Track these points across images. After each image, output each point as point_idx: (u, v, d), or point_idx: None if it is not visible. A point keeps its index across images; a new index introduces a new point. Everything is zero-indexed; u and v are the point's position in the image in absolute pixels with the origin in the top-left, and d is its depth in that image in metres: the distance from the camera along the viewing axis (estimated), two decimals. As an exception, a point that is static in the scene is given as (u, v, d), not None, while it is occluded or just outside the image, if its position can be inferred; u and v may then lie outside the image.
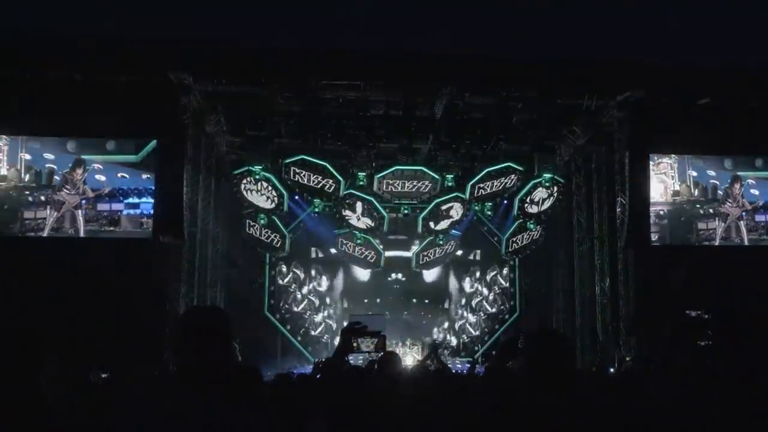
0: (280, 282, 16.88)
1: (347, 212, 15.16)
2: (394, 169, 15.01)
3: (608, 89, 13.16)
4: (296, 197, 15.81)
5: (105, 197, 12.96)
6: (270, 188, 14.54)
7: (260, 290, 16.49)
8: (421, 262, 16.48)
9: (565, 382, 2.62)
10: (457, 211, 15.46)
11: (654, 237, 13.78)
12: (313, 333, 16.84)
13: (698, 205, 14.15)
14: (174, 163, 12.45)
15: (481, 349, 16.91)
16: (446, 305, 17.59)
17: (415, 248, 16.51)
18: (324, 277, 17.38)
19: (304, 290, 17.09)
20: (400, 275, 17.14)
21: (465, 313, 17.40)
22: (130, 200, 12.99)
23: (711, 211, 14.14)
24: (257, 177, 14.39)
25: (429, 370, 5.73)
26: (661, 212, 14.03)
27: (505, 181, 15.31)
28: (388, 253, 16.21)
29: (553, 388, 2.57)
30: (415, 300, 17.31)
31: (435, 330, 17.25)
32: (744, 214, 14.16)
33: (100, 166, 12.97)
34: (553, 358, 2.65)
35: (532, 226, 15.93)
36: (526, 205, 15.41)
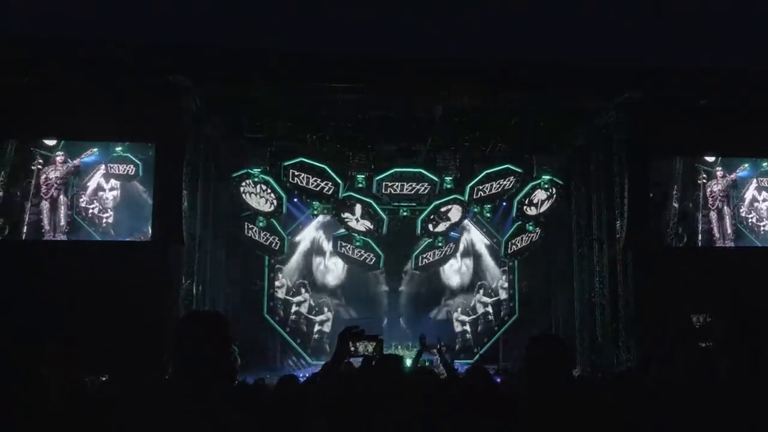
0: (279, 284, 16.83)
1: (346, 214, 15.16)
2: (393, 171, 15.01)
3: (607, 91, 13.17)
4: (295, 200, 15.83)
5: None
6: (269, 191, 14.56)
7: (260, 292, 16.47)
8: (420, 264, 16.47)
9: (561, 385, 2.61)
10: (456, 213, 15.46)
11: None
12: (312, 335, 16.79)
13: None
14: (173, 166, 12.43)
15: (479, 351, 16.89)
16: (446, 306, 17.52)
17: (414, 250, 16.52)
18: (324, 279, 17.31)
19: (304, 292, 17.03)
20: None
21: (464, 315, 17.36)
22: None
23: None
24: (256, 179, 14.40)
25: (427, 369, 5.73)
26: None
27: (504, 182, 15.32)
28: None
29: (550, 391, 2.57)
30: (415, 302, 17.26)
31: (427, 333, 17.11)
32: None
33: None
34: (550, 362, 2.65)
35: (531, 227, 15.95)
36: (525, 206, 15.43)
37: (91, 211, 13.03)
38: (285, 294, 16.77)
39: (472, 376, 4.66)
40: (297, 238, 16.79)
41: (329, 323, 16.75)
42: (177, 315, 11.87)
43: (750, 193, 14.50)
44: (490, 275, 17.62)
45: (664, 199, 14.05)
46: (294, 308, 16.76)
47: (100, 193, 13.07)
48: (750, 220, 14.38)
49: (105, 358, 9.89)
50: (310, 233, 17.01)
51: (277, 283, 16.72)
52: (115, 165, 13.13)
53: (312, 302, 16.89)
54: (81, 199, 13.00)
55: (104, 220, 13.03)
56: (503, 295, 17.44)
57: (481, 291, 17.48)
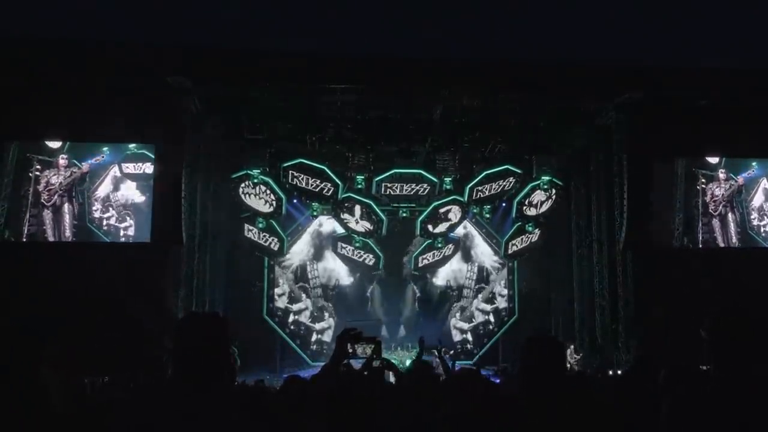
0: (280, 292, 16.74)
1: (346, 215, 15.15)
2: (392, 172, 14.99)
3: (607, 91, 13.18)
4: (295, 201, 15.81)
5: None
6: (268, 192, 14.54)
7: (259, 293, 16.45)
8: (419, 265, 16.45)
9: (560, 386, 2.61)
10: (455, 214, 15.45)
11: None
12: (311, 336, 16.75)
13: None
14: (173, 167, 12.43)
15: (480, 352, 16.87)
16: (447, 306, 17.47)
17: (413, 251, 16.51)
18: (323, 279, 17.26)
19: (303, 295, 16.99)
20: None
21: (462, 322, 17.28)
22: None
23: None
24: (256, 181, 14.39)
25: (427, 365, 5.71)
26: None
27: (504, 183, 15.31)
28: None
29: (548, 392, 2.56)
30: (415, 302, 17.23)
31: (426, 335, 16.96)
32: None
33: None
34: (548, 362, 2.64)
35: (530, 228, 15.93)
36: (524, 207, 15.42)
37: (106, 221, 12.85)
38: (286, 301, 16.59)
39: (459, 378, 4.65)
40: (297, 240, 16.77)
41: (330, 331, 16.48)
42: (177, 315, 11.87)
43: (760, 194, 14.41)
44: (489, 278, 17.56)
45: (665, 202, 14.05)
46: (293, 317, 16.62)
47: (115, 200, 12.90)
48: (764, 228, 14.25)
49: (105, 358, 9.91)
50: (310, 234, 16.97)
51: (277, 290, 16.53)
52: (130, 164, 13.03)
53: (311, 308, 16.79)
54: (94, 207, 12.86)
55: (122, 231, 12.89)
56: (502, 303, 17.27)
57: (480, 296, 17.36)
